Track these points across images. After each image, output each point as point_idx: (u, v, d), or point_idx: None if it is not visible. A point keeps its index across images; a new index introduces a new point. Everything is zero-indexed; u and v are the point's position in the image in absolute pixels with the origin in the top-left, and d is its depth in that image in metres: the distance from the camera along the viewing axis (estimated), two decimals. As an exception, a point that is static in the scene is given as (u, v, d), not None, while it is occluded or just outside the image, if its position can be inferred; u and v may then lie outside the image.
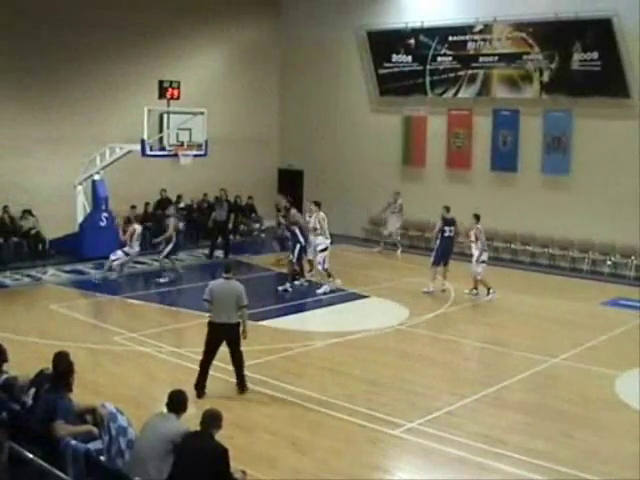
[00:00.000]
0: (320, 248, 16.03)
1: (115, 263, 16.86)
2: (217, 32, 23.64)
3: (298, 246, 16.24)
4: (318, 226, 16.08)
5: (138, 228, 17.30)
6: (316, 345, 12.55)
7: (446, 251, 16.36)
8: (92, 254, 18.60)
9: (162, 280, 16.94)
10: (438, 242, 16.47)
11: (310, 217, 16.48)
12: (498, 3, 20.16)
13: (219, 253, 19.77)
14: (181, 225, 18.02)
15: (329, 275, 16.25)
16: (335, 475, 7.93)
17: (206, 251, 20.04)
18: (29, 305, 15.21)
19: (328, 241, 16.17)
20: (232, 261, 10.01)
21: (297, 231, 16.26)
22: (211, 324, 9.96)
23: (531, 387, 10.91)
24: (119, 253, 16.98)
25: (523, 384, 10.94)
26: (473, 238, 15.90)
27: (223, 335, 9.87)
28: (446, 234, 16.30)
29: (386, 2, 22.63)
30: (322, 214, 16.23)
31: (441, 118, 21.67)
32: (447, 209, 16.46)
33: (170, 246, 17.08)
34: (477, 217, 15.99)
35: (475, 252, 15.84)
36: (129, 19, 21.02)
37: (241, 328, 9.87)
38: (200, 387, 9.82)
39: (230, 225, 20.33)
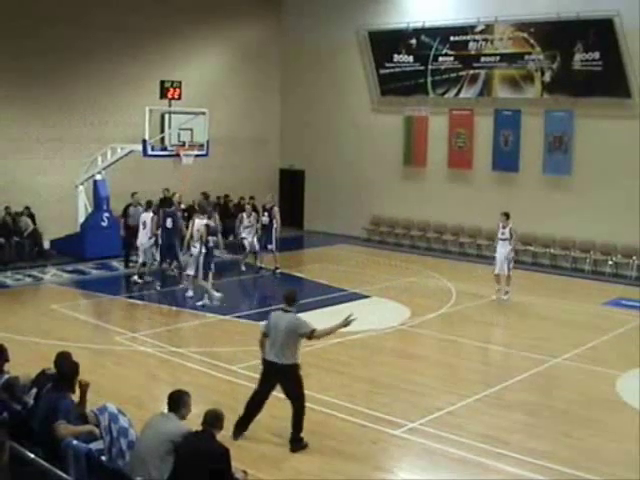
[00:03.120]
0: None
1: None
2: (218, 32, 23.65)
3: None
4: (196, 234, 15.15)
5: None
6: (316, 345, 12.50)
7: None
8: (93, 254, 18.63)
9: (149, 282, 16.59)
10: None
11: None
12: (499, 3, 20.16)
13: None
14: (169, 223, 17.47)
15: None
16: (336, 475, 7.92)
17: None
18: (30, 305, 15.21)
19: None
20: (294, 290, 9.27)
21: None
22: (263, 361, 8.66)
23: (532, 387, 10.90)
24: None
25: (524, 384, 10.93)
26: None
27: (273, 376, 8.51)
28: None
29: (388, 2, 22.62)
30: (197, 221, 15.26)
31: (442, 118, 21.66)
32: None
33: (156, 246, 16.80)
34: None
35: None
36: (130, 19, 21.03)
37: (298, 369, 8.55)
38: (240, 427, 8.61)
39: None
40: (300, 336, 8.42)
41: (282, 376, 8.46)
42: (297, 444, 8.45)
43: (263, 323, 8.78)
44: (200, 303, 14.76)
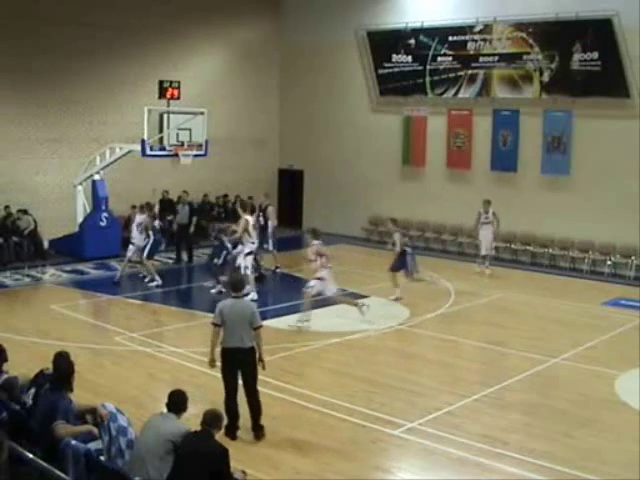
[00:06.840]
0: (245, 252, 15.37)
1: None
2: (217, 32, 23.64)
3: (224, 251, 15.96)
4: (239, 230, 15.36)
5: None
6: (316, 345, 12.55)
7: None
8: (92, 254, 18.63)
9: (155, 284, 16.49)
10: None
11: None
12: (498, 3, 20.17)
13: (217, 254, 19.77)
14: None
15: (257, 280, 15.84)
16: (335, 475, 7.92)
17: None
18: (29, 305, 15.21)
19: (254, 245, 15.57)
20: (240, 278, 9.06)
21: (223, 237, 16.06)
22: (224, 350, 8.65)
23: (531, 387, 10.91)
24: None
25: (523, 384, 10.94)
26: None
27: (237, 362, 8.63)
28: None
29: (386, 2, 22.63)
30: (247, 218, 15.50)
31: (441, 118, 21.67)
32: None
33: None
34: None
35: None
36: (129, 19, 21.03)
37: (257, 354, 8.69)
38: (232, 429, 8.61)
39: (192, 228, 19.39)
40: (250, 323, 8.57)
41: (247, 359, 8.58)
42: (262, 431, 8.68)
43: (216, 314, 8.67)
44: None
